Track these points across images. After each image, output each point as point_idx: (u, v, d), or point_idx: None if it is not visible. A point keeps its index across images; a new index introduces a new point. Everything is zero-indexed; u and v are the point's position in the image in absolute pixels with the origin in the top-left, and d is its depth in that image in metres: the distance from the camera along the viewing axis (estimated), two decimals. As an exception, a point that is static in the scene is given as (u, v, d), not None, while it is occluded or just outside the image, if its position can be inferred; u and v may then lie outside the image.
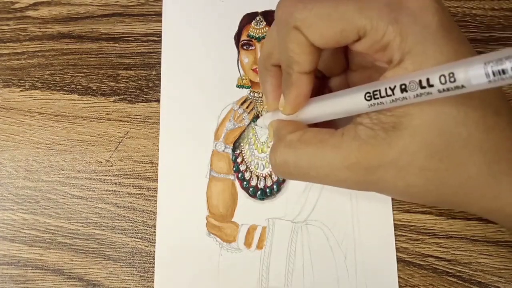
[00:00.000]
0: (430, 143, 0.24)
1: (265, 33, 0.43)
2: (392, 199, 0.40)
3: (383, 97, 0.24)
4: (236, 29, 0.44)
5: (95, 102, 0.43)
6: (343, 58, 0.32)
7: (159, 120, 0.42)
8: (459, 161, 0.24)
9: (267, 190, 0.41)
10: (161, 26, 0.44)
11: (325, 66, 0.32)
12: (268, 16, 0.44)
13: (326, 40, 0.25)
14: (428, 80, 0.21)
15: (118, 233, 0.41)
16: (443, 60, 0.23)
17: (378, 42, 0.24)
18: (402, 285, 0.39)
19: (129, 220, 0.41)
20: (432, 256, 0.39)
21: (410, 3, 0.24)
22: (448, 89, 0.21)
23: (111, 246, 0.41)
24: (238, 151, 0.42)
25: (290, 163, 0.28)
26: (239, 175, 0.41)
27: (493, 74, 0.19)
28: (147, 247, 0.40)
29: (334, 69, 0.33)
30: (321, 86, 0.33)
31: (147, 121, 0.43)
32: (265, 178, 0.41)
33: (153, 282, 0.40)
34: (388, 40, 0.24)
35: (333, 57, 0.32)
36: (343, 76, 0.33)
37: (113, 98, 0.43)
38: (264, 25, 0.44)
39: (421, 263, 0.39)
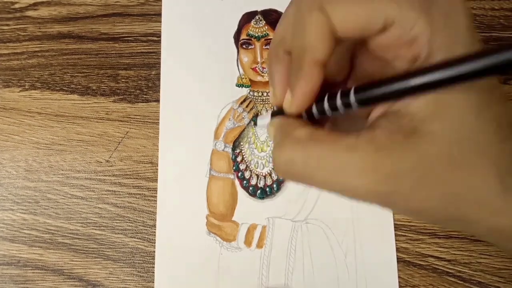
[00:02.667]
0: (448, 151, 0.23)
1: (264, 32, 0.43)
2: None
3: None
4: (235, 28, 0.44)
5: (95, 102, 0.43)
6: (348, 64, 0.31)
7: (159, 120, 0.42)
8: (474, 172, 0.23)
9: (267, 189, 0.41)
10: (161, 26, 0.44)
11: (329, 70, 0.31)
12: (267, 15, 0.44)
13: (350, 26, 0.23)
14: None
15: (118, 233, 0.41)
16: None
17: (406, 34, 0.23)
18: (402, 285, 0.39)
19: (129, 220, 0.41)
20: (432, 256, 0.39)
21: (441, 1, 0.23)
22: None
23: (111, 246, 0.41)
24: (238, 150, 0.42)
25: (298, 162, 0.25)
26: (239, 174, 0.41)
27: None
28: (147, 247, 0.40)
29: (337, 74, 0.32)
30: (322, 92, 0.31)
31: (147, 121, 0.43)
32: (265, 177, 0.41)
33: (153, 282, 0.40)
34: (417, 33, 0.22)
35: (339, 60, 0.31)
36: (345, 84, 0.32)
37: (113, 98, 0.43)
38: (263, 24, 0.44)
39: (421, 263, 0.39)
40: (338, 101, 0.25)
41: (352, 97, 0.24)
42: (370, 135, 0.23)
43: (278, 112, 0.29)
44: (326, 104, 0.26)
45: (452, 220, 0.26)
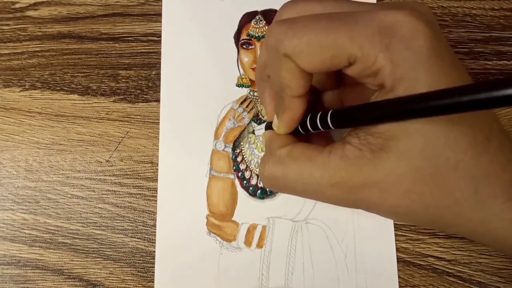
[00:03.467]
0: (416, 167, 0.24)
1: (265, 32, 0.43)
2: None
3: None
4: (235, 28, 0.44)
5: (95, 102, 0.43)
6: (336, 74, 0.32)
7: (159, 120, 0.42)
8: (445, 186, 0.24)
9: (267, 189, 0.41)
10: (161, 26, 0.44)
11: (318, 82, 0.32)
12: (267, 15, 0.44)
13: (316, 67, 0.25)
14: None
15: (118, 233, 0.41)
16: (435, 85, 0.23)
17: (369, 68, 0.24)
18: (402, 285, 0.39)
19: (129, 220, 0.41)
20: (432, 256, 0.39)
21: (401, 30, 0.23)
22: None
23: (111, 246, 0.41)
24: (238, 150, 0.42)
25: (279, 178, 0.28)
26: (239, 174, 0.41)
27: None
28: (147, 247, 0.40)
29: (327, 85, 0.33)
30: (314, 100, 0.33)
31: (147, 121, 0.43)
32: (265, 177, 0.41)
33: (153, 282, 0.40)
34: (379, 66, 0.24)
35: (326, 74, 0.32)
36: (336, 91, 0.33)
37: (113, 98, 0.43)
38: (263, 24, 0.44)
39: (421, 263, 0.39)
40: (318, 124, 0.28)
41: (329, 122, 0.27)
42: (341, 151, 0.26)
43: (271, 124, 0.32)
44: (308, 125, 0.29)
45: (425, 223, 0.28)
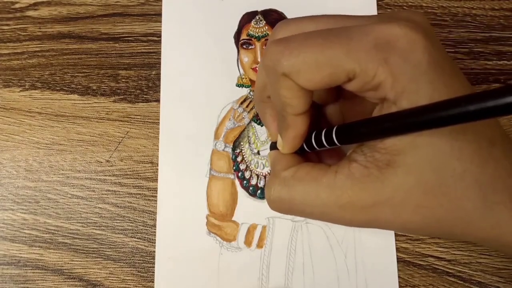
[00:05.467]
0: (424, 180, 0.24)
1: (264, 32, 0.43)
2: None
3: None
4: (235, 28, 0.44)
5: (95, 102, 0.43)
6: (335, 88, 0.32)
7: (159, 120, 0.42)
8: (454, 197, 0.24)
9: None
10: (161, 26, 0.44)
11: (318, 96, 0.32)
12: (267, 15, 0.44)
13: (315, 84, 0.24)
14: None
15: (118, 233, 0.41)
16: (436, 96, 0.22)
17: (369, 83, 0.24)
18: (402, 285, 0.39)
19: (129, 220, 0.41)
20: (432, 256, 0.39)
21: (399, 42, 0.23)
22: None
23: (111, 246, 0.41)
24: (238, 150, 0.42)
25: (285, 201, 0.28)
26: (239, 174, 0.41)
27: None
28: (147, 247, 0.40)
29: (328, 98, 0.32)
30: (315, 115, 0.32)
31: (147, 121, 0.43)
32: (265, 177, 0.41)
33: (153, 282, 0.40)
34: (379, 80, 0.23)
35: (326, 89, 0.32)
36: (336, 104, 0.33)
37: (113, 98, 0.43)
38: (263, 24, 0.44)
39: (421, 263, 0.39)
40: (323, 141, 0.27)
41: (334, 138, 0.26)
42: (347, 170, 0.25)
43: (275, 144, 0.31)
44: (313, 143, 0.28)
45: (438, 235, 0.27)
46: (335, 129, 0.26)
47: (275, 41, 0.25)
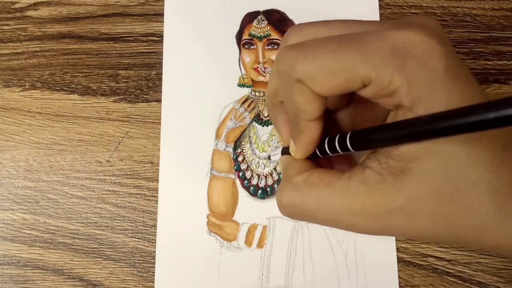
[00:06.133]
0: (439, 187, 0.23)
1: (266, 32, 0.44)
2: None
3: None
4: (237, 28, 0.44)
5: (95, 102, 0.43)
6: (348, 94, 0.32)
7: (159, 120, 0.42)
8: (468, 204, 0.24)
9: (268, 189, 0.41)
10: (161, 26, 0.44)
11: (330, 102, 0.32)
12: (269, 15, 0.44)
13: (330, 90, 0.24)
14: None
15: (118, 233, 0.41)
16: (452, 103, 0.22)
17: (384, 89, 0.23)
18: (402, 285, 0.39)
19: (129, 220, 0.41)
20: (432, 256, 0.39)
21: (415, 49, 0.23)
22: None
23: (111, 246, 0.41)
24: (239, 150, 0.42)
25: (297, 206, 0.27)
26: (240, 174, 0.41)
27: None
28: (147, 247, 0.40)
29: (339, 104, 0.32)
30: (326, 120, 0.32)
31: (147, 121, 0.43)
32: (266, 177, 0.41)
33: (153, 282, 0.40)
34: (395, 87, 0.23)
35: (338, 95, 0.31)
36: (347, 109, 0.33)
37: (113, 98, 0.43)
38: (265, 24, 0.44)
39: (421, 263, 0.39)
40: (337, 147, 0.27)
41: (348, 144, 0.26)
42: (361, 177, 0.25)
43: (287, 150, 0.31)
44: (327, 148, 0.28)
45: (452, 242, 0.27)
46: (349, 134, 0.26)
47: (289, 47, 0.25)
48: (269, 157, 0.42)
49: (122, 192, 0.41)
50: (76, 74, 0.44)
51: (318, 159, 0.30)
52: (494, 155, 0.24)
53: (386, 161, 0.25)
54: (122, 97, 0.43)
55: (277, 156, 0.34)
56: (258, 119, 0.42)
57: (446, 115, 0.20)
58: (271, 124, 0.42)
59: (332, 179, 0.26)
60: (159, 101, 0.43)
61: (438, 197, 0.24)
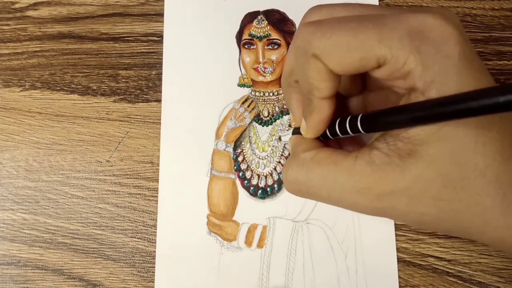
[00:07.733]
0: (445, 172, 0.23)
1: (266, 32, 0.44)
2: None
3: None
4: (237, 28, 0.44)
5: (95, 102, 0.43)
6: (361, 79, 0.32)
7: (159, 120, 0.42)
8: (474, 192, 0.24)
9: (268, 189, 0.41)
10: (161, 26, 0.44)
11: (343, 87, 0.32)
12: (269, 15, 0.44)
13: (345, 68, 0.25)
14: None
15: (118, 233, 0.41)
16: (465, 89, 0.22)
17: (399, 71, 0.24)
18: (402, 285, 0.39)
19: (129, 220, 0.41)
20: (432, 256, 0.39)
21: (432, 33, 0.23)
22: None
23: (111, 246, 0.41)
24: (239, 150, 0.42)
25: (301, 182, 0.28)
26: (240, 174, 0.41)
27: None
28: (147, 247, 0.40)
29: (352, 90, 0.32)
30: (338, 105, 0.33)
31: (147, 121, 0.43)
32: (266, 177, 0.41)
33: (153, 282, 0.40)
34: (409, 69, 0.23)
35: (351, 79, 0.31)
36: (359, 97, 0.33)
37: (113, 98, 0.43)
38: (265, 24, 0.44)
39: (421, 263, 0.39)
40: (347, 128, 0.27)
41: (359, 125, 0.26)
42: (368, 156, 0.25)
43: (298, 130, 0.31)
44: (337, 129, 0.28)
45: (453, 231, 0.27)
46: (360, 116, 0.26)
47: (307, 23, 0.25)
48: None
49: (122, 192, 0.41)
50: (76, 74, 0.44)
51: (327, 141, 0.31)
52: (503, 146, 0.24)
53: (395, 143, 0.25)
54: (122, 97, 0.43)
55: (287, 136, 0.35)
56: (258, 119, 0.42)
57: (458, 98, 0.20)
58: (271, 124, 0.42)
59: (338, 158, 0.26)
60: (159, 101, 0.43)
61: (444, 182, 0.24)
